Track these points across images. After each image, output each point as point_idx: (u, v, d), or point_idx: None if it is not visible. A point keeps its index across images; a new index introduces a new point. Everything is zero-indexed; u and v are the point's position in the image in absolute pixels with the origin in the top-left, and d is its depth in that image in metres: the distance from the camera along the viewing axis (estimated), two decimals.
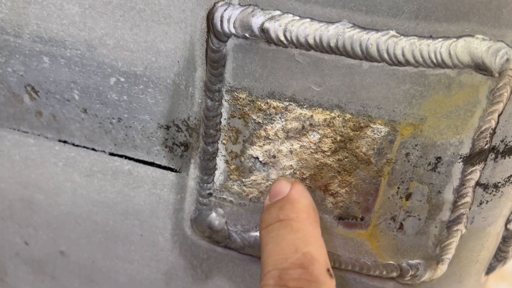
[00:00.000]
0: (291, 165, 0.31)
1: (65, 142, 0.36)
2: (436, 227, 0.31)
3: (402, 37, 0.26)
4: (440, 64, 0.26)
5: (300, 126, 0.29)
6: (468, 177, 0.30)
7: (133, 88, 0.32)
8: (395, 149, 0.29)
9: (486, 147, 0.29)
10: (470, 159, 0.29)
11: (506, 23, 0.25)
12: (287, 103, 0.29)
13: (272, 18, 0.27)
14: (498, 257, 0.36)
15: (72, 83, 0.33)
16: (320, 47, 0.27)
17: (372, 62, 0.27)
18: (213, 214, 0.34)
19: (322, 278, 0.26)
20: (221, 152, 0.32)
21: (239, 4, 0.27)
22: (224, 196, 0.33)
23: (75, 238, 0.39)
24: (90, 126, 0.34)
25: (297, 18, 0.27)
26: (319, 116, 0.29)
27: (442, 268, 0.33)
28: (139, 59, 0.31)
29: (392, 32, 0.26)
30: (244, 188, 0.32)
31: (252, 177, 0.32)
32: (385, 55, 0.26)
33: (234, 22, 0.27)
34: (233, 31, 0.28)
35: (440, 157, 0.29)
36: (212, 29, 0.28)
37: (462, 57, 0.26)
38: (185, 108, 0.31)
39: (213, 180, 0.33)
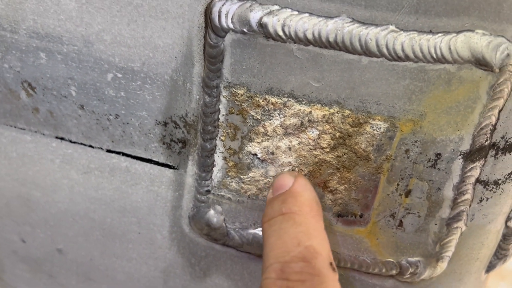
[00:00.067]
0: (289, 162, 0.30)
1: (62, 139, 0.35)
2: (435, 224, 0.31)
3: (402, 32, 0.26)
4: (440, 59, 0.26)
5: (298, 123, 0.29)
6: (468, 174, 0.30)
7: (131, 84, 0.31)
8: (394, 146, 0.29)
9: (486, 143, 0.29)
10: (470, 156, 0.29)
11: (507, 18, 0.25)
12: (285, 99, 0.29)
13: (270, 12, 0.27)
14: (498, 255, 0.36)
15: (69, 79, 0.33)
16: (319, 42, 0.26)
17: (372, 57, 0.26)
18: (211, 212, 0.33)
19: (324, 272, 0.25)
20: (219, 149, 0.31)
21: None
22: (222, 193, 0.33)
23: (73, 235, 0.39)
24: (87, 123, 0.34)
25: (296, 12, 0.26)
26: (318, 112, 0.28)
27: (442, 266, 0.33)
28: (137, 54, 0.30)
29: (392, 27, 0.26)
30: (242, 185, 0.32)
31: (251, 174, 0.31)
32: (385, 50, 0.26)
33: (232, 17, 0.27)
34: (231, 26, 0.27)
35: (440, 154, 0.29)
36: (210, 24, 0.28)
37: (462, 52, 0.26)
38: (183, 105, 0.31)
39: (211, 177, 0.32)
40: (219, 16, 0.27)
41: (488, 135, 0.28)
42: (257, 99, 0.29)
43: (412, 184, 0.30)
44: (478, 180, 0.30)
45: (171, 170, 0.34)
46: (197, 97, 0.30)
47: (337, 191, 0.30)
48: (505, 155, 0.30)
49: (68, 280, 0.41)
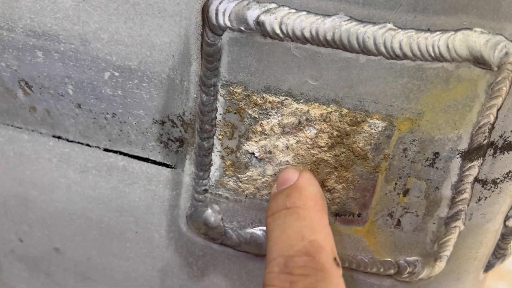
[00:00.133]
0: (287, 161, 0.30)
1: (59, 137, 0.35)
2: (434, 223, 0.31)
3: (400, 30, 0.26)
4: (438, 58, 0.26)
5: (296, 121, 0.29)
6: (466, 173, 0.29)
7: (128, 83, 0.31)
8: (392, 144, 0.28)
9: (484, 142, 0.29)
10: (469, 155, 0.29)
11: (505, 16, 0.25)
12: (283, 98, 0.29)
13: (267, 11, 0.26)
14: (497, 254, 0.36)
15: (66, 77, 0.32)
16: (317, 41, 0.26)
17: (369, 56, 0.26)
18: (209, 211, 0.33)
19: (328, 267, 0.25)
20: (216, 148, 0.31)
21: None
22: (219, 192, 0.33)
23: (70, 235, 0.38)
24: (84, 122, 0.34)
25: (293, 11, 0.26)
26: (316, 111, 0.28)
27: (440, 265, 0.33)
28: (134, 53, 0.30)
29: (390, 25, 0.26)
30: (240, 184, 0.32)
31: (248, 173, 0.31)
32: (382, 49, 0.26)
33: (229, 15, 0.27)
34: (228, 24, 0.27)
35: (438, 153, 0.29)
36: (207, 23, 0.28)
37: (460, 50, 0.26)
38: (180, 103, 0.31)
39: (208, 176, 0.32)
40: (216, 14, 0.27)
41: (487, 134, 0.28)
42: (255, 97, 0.29)
43: (410, 183, 0.30)
44: (476, 179, 0.30)
45: (169, 169, 0.34)
46: (195, 95, 0.30)
47: (335, 190, 0.30)
48: (503, 154, 0.30)
49: (65, 279, 0.41)
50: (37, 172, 0.37)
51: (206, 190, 0.33)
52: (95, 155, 0.35)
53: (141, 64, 0.30)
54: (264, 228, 0.33)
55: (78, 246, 0.39)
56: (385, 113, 0.28)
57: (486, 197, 0.31)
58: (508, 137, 0.29)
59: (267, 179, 0.31)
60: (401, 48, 0.26)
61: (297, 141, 0.29)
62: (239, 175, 0.32)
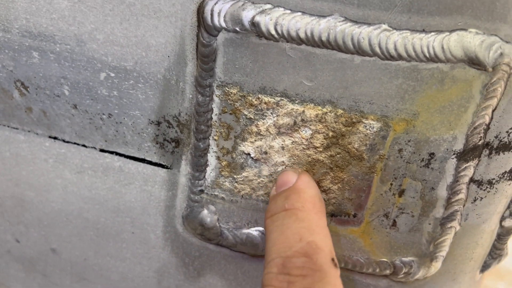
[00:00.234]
0: (283, 161, 0.30)
1: (55, 138, 0.35)
2: (429, 224, 0.31)
3: (395, 31, 0.26)
4: (433, 58, 0.26)
5: (291, 122, 0.29)
6: (462, 174, 0.29)
7: (123, 84, 0.31)
8: (387, 145, 0.28)
9: (480, 143, 0.29)
10: (464, 155, 0.29)
11: (500, 16, 0.25)
12: (278, 99, 0.29)
13: (263, 11, 0.26)
14: (493, 255, 0.36)
15: (62, 78, 0.32)
16: (312, 41, 0.26)
17: (364, 57, 0.26)
18: (205, 211, 0.33)
19: (326, 267, 0.25)
20: (212, 148, 0.31)
21: None
22: (215, 193, 0.33)
23: (67, 235, 0.38)
24: (80, 122, 0.34)
25: (288, 11, 0.26)
26: (311, 111, 0.28)
27: (436, 265, 0.33)
28: (129, 54, 0.30)
29: (384, 26, 0.26)
30: (235, 184, 0.32)
31: (244, 174, 0.31)
32: (377, 49, 0.26)
33: (224, 16, 0.27)
34: (223, 25, 0.27)
35: (433, 153, 0.29)
36: (202, 23, 0.28)
37: (455, 51, 0.26)
38: (176, 104, 0.31)
39: (204, 176, 0.32)
40: (212, 15, 0.27)
41: (482, 135, 0.28)
42: (250, 98, 0.29)
43: (405, 183, 0.30)
44: (472, 180, 0.30)
45: (165, 170, 0.34)
46: (190, 96, 0.30)
47: (331, 190, 0.30)
48: (498, 154, 0.30)
49: (62, 280, 0.41)
50: (33, 172, 0.37)
51: (202, 191, 0.33)
52: (91, 155, 0.35)
53: (137, 64, 0.30)
54: (260, 228, 0.33)
55: (74, 246, 0.39)
56: (380, 114, 0.28)
57: (481, 198, 0.31)
58: (503, 138, 0.29)
59: (263, 179, 0.31)
60: (396, 49, 0.26)
61: (293, 141, 0.29)
62: (235, 176, 0.32)
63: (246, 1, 0.27)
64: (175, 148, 0.33)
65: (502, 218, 0.34)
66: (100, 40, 0.30)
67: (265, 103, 0.29)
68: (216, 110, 0.30)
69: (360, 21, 0.26)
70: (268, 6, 0.26)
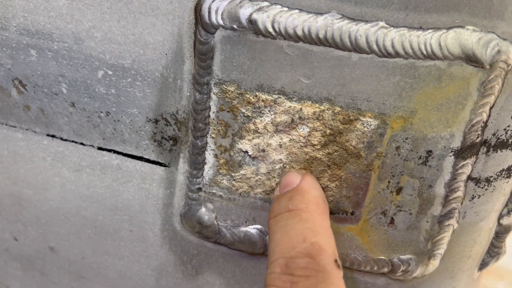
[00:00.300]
0: (280, 159, 0.30)
1: (53, 136, 0.35)
2: (427, 222, 0.31)
3: (392, 28, 0.26)
4: (430, 56, 0.26)
5: (289, 120, 0.29)
6: (459, 171, 0.29)
7: (121, 81, 0.31)
8: (385, 143, 0.28)
9: (477, 140, 0.29)
10: (462, 153, 0.29)
11: (497, 14, 0.25)
12: (276, 96, 0.29)
13: (260, 9, 0.26)
14: (491, 253, 0.36)
15: (60, 76, 0.32)
16: (309, 39, 0.26)
17: (362, 54, 0.26)
18: (203, 209, 0.33)
19: (329, 268, 0.25)
20: (210, 146, 0.31)
21: None
22: (213, 191, 0.33)
23: (65, 233, 0.38)
24: (78, 120, 0.34)
25: (286, 9, 0.26)
26: (309, 109, 0.28)
27: (434, 263, 0.33)
28: (127, 51, 0.30)
29: (382, 23, 0.26)
30: (233, 182, 0.32)
31: (242, 172, 0.31)
32: (375, 47, 0.26)
33: (222, 13, 0.27)
34: (221, 22, 0.27)
35: (431, 151, 0.29)
36: (200, 21, 0.28)
37: (453, 48, 0.26)
38: (173, 102, 0.31)
39: (202, 174, 0.32)
40: (209, 12, 0.27)
41: (479, 132, 0.28)
42: (248, 96, 0.29)
43: (403, 181, 0.30)
44: (469, 178, 0.30)
45: (162, 168, 0.34)
46: (188, 94, 0.30)
47: (328, 188, 0.30)
48: (496, 152, 0.30)
49: (60, 278, 0.41)
50: (31, 171, 0.37)
51: (200, 189, 0.33)
52: (89, 153, 0.35)
53: (135, 62, 0.30)
54: (258, 226, 0.33)
55: (72, 245, 0.39)
56: (378, 111, 0.28)
57: (479, 195, 0.31)
58: (501, 135, 0.29)
59: (261, 177, 0.31)
60: (393, 46, 0.26)
61: (290, 139, 0.29)
62: (232, 174, 0.32)
63: None
64: (173, 146, 0.33)
65: (500, 216, 0.34)
66: (98, 38, 0.30)
67: (263, 100, 0.29)
68: (213, 108, 0.30)
69: (357, 19, 0.26)
70: (266, 3, 0.26)
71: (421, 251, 0.32)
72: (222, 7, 0.27)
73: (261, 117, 0.29)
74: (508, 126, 0.29)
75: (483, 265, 0.37)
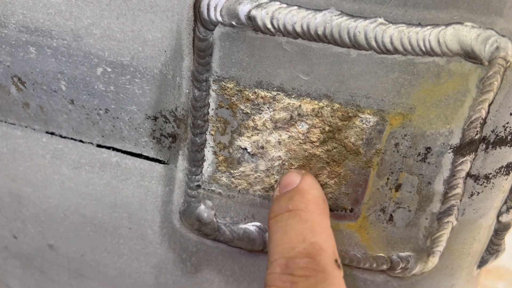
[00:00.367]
0: (279, 156, 0.30)
1: (52, 133, 0.35)
2: (426, 219, 0.31)
3: (391, 24, 0.26)
4: (429, 52, 0.26)
5: (288, 116, 0.29)
6: (458, 168, 0.29)
7: (120, 79, 0.31)
8: (384, 139, 0.28)
9: (476, 137, 0.29)
10: (461, 150, 0.29)
11: (496, 10, 0.25)
12: (275, 93, 0.29)
13: (259, 5, 0.26)
14: (490, 250, 0.36)
15: (59, 73, 0.32)
16: (308, 35, 0.26)
17: (360, 51, 0.26)
18: (202, 207, 0.33)
19: (329, 268, 0.25)
20: (209, 143, 0.31)
21: None
22: (212, 188, 0.33)
23: (64, 231, 0.38)
24: (77, 118, 0.34)
25: (284, 5, 0.26)
26: (307, 106, 0.28)
27: (433, 260, 0.33)
28: (126, 48, 0.30)
29: (380, 20, 0.26)
30: (232, 179, 0.32)
31: (241, 169, 0.31)
32: (373, 43, 0.26)
33: (220, 10, 0.27)
34: (220, 19, 0.27)
35: (429, 147, 0.29)
36: (198, 18, 0.28)
37: (451, 45, 0.26)
38: (172, 99, 0.31)
39: (201, 171, 0.32)
40: (208, 9, 0.27)
41: (478, 129, 0.28)
42: (247, 93, 0.29)
43: (402, 178, 0.30)
44: (468, 174, 0.30)
45: (162, 165, 0.34)
46: (187, 91, 0.30)
47: (327, 185, 0.30)
48: (495, 149, 0.30)
49: (59, 276, 0.41)
50: (30, 168, 0.37)
51: (199, 186, 0.33)
52: (88, 151, 0.35)
53: (134, 59, 0.30)
54: (257, 223, 0.33)
55: (71, 242, 0.39)
56: (377, 108, 0.28)
57: (478, 192, 0.31)
58: (500, 132, 0.29)
59: (260, 174, 0.31)
60: (392, 43, 0.26)
61: (289, 136, 0.29)
62: (231, 171, 0.32)
63: None
64: (172, 143, 0.33)
65: (499, 213, 0.34)
66: (97, 35, 0.30)
67: (262, 97, 0.29)
68: (212, 105, 0.30)
69: (356, 15, 0.26)
70: (264, 0, 0.26)
71: (420, 248, 0.32)
72: (221, 3, 0.27)
73: (260, 114, 0.29)
74: (507, 123, 0.29)
75: (482, 262, 0.37)
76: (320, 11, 0.26)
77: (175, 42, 0.29)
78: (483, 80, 0.27)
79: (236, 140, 0.30)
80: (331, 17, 0.26)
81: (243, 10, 0.27)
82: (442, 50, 0.26)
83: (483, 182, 0.31)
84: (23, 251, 0.41)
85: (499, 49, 0.26)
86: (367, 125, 0.28)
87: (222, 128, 0.30)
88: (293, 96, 0.28)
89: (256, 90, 0.29)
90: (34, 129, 0.35)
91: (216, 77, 0.29)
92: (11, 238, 0.41)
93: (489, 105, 0.28)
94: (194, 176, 0.33)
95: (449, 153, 0.29)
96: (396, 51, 0.26)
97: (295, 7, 0.26)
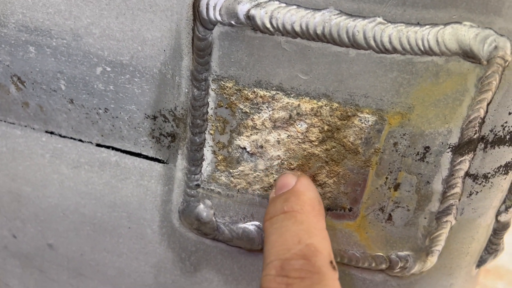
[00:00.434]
0: (278, 155, 0.30)
1: (52, 133, 0.35)
2: (425, 218, 0.31)
3: (389, 24, 0.26)
4: (428, 52, 0.26)
5: (287, 116, 0.29)
6: (457, 167, 0.30)
7: (120, 78, 0.31)
8: (383, 139, 0.29)
9: (475, 136, 0.29)
10: (459, 149, 0.29)
11: (494, 9, 0.25)
12: (274, 92, 0.29)
13: (258, 5, 0.27)
14: (489, 250, 0.36)
15: (58, 73, 0.32)
16: (307, 35, 0.26)
17: (359, 50, 0.26)
18: (201, 206, 0.33)
19: (324, 270, 0.25)
20: (208, 143, 0.31)
21: None
22: (212, 187, 0.33)
23: (63, 230, 0.38)
24: (76, 117, 0.34)
25: (283, 5, 0.26)
26: (306, 105, 0.28)
27: (432, 260, 0.33)
28: (125, 48, 0.30)
29: (379, 19, 0.26)
30: (231, 179, 0.32)
31: (240, 168, 0.31)
32: (372, 43, 0.26)
33: (220, 9, 0.27)
34: (219, 18, 0.27)
35: (428, 147, 0.29)
36: (198, 17, 0.28)
37: (450, 44, 0.26)
38: (171, 98, 0.31)
39: (200, 171, 0.32)
40: (207, 8, 0.27)
41: (477, 128, 0.28)
42: (246, 92, 0.29)
43: (401, 177, 0.30)
44: (467, 174, 0.30)
45: (161, 164, 0.34)
46: (186, 90, 0.30)
47: (326, 184, 0.30)
48: (494, 148, 0.30)
49: (59, 275, 0.41)
50: (30, 167, 0.37)
51: (198, 185, 0.33)
52: (88, 150, 0.35)
53: (133, 59, 0.30)
54: (256, 223, 0.33)
55: (71, 242, 0.39)
56: (376, 107, 0.28)
57: (477, 192, 0.31)
58: (498, 132, 0.29)
59: (259, 173, 0.31)
60: (390, 42, 0.26)
61: (288, 135, 0.30)
62: (231, 170, 0.32)
63: None
64: (171, 143, 0.33)
65: (498, 213, 0.34)
66: (96, 35, 0.30)
67: (261, 97, 0.29)
68: (212, 104, 0.30)
69: (355, 14, 0.26)
70: None
71: (419, 247, 0.32)
72: (220, 3, 0.27)
73: (259, 113, 0.29)
74: (506, 122, 0.29)
75: (481, 262, 0.37)
76: (319, 11, 0.26)
77: (175, 42, 0.29)
78: (481, 79, 0.27)
79: (235, 140, 0.31)
80: (330, 16, 0.26)
81: (242, 9, 0.27)
82: (440, 49, 0.26)
83: (482, 181, 0.31)
84: (23, 250, 0.41)
85: (497, 49, 0.26)
86: (366, 124, 0.28)
87: (221, 128, 0.31)
88: (292, 95, 0.28)
89: (255, 90, 0.29)
90: (33, 129, 0.35)
91: (215, 77, 0.29)
92: (11, 237, 0.41)
93: (488, 104, 0.28)
94: (193, 176, 0.33)
95: (448, 152, 0.29)
96: (394, 50, 0.26)
97: (294, 7, 0.26)
